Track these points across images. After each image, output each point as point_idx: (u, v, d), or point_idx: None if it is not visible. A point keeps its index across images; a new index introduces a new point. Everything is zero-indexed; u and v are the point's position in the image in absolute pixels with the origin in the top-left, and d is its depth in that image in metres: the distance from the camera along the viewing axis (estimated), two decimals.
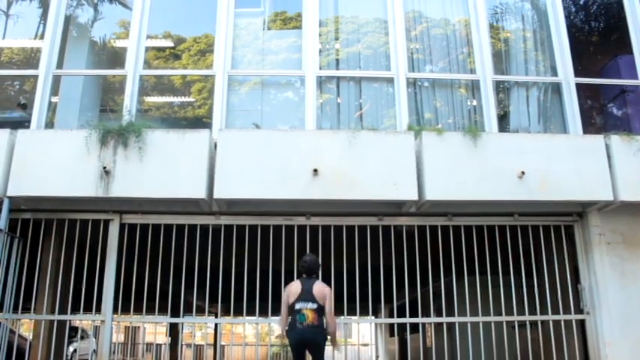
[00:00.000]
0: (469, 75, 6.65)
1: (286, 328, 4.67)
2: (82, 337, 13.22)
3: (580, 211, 5.87)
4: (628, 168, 5.50)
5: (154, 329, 23.77)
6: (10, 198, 5.29)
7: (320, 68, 6.48)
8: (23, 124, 6.05)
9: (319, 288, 4.62)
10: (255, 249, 5.67)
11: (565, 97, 6.42)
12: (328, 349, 4.91)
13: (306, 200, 5.35)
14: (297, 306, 4.55)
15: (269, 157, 5.38)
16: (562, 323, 5.68)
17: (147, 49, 6.61)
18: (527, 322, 5.82)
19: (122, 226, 5.75)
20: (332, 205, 5.14)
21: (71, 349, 11.47)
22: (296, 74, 6.52)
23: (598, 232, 5.74)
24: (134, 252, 5.80)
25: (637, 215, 5.74)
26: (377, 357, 19.49)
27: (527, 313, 5.86)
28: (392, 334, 16.30)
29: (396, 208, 5.77)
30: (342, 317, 6.07)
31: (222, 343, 18.55)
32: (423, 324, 8.50)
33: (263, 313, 5.82)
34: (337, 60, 6.77)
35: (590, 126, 6.71)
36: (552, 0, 6.81)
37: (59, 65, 6.42)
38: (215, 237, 5.80)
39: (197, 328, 25.29)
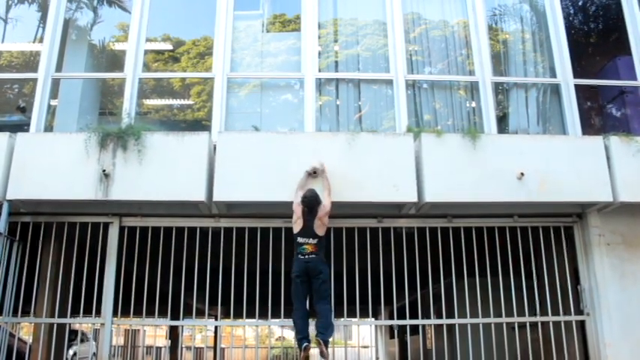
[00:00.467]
0: (468, 77, 6.65)
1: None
2: (82, 341, 13.21)
3: (580, 212, 5.88)
4: (627, 169, 5.51)
5: (153, 332, 23.74)
6: (10, 201, 5.29)
7: (319, 70, 6.48)
8: (22, 127, 6.06)
9: (318, 224, 5.05)
10: (254, 251, 5.67)
11: (564, 98, 6.43)
12: (329, 350, 4.91)
13: None
14: (300, 240, 5.07)
15: (268, 160, 5.38)
16: (562, 324, 5.67)
17: (146, 51, 6.61)
18: (527, 324, 5.81)
19: (122, 229, 5.74)
20: (332, 207, 5.15)
21: (71, 352, 11.46)
22: (295, 76, 6.52)
23: (598, 233, 5.74)
24: (134, 255, 5.79)
25: (637, 216, 5.74)
26: (377, 359, 19.47)
27: (527, 314, 5.85)
28: (392, 336, 16.30)
29: (396, 209, 5.76)
30: (342, 319, 6.06)
31: (222, 345, 18.54)
32: (423, 326, 8.49)
33: (263, 315, 5.81)
34: (336, 62, 6.78)
35: (589, 127, 6.72)
36: (551, 1, 6.82)
37: (58, 68, 6.43)
38: (215, 239, 5.79)
39: (197, 331, 25.28)
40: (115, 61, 6.91)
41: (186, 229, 5.80)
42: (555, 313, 5.78)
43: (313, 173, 5.26)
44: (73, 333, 10.14)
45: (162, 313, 7.00)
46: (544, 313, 5.82)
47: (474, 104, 6.58)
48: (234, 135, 5.63)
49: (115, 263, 5.60)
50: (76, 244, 5.70)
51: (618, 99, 6.90)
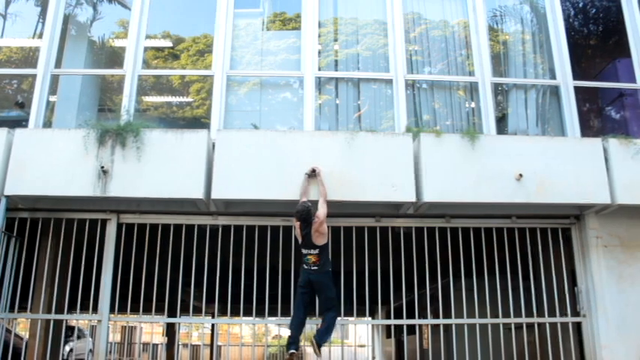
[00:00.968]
0: (468, 77, 6.66)
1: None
2: (78, 337, 13.20)
3: (577, 214, 5.88)
4: (625, 171, 5.52)
5: (150, 329, 23.72)
6: (8, 197, 5.28)
7: (319, 69, 6.48)
8: (21, 123, 6.05)
9: (315, 235, 5.05)
10: (252, 249, 5.66)
11: (563, 100, 6.44)
12: (326, 349, 4.92)
13: None
14: (303, 251, 5.13)
15: (267, 158, 5.38)
16: (559, 326, 5.69)
17: (146, 48, 6.61)
18: (524, 325, 5.82)
19: (120, 225, 5.74)
20: (330, 206, 5.15)
21: (68, 348, 11.46)
22: (295, 75, 6.52)
23: (595, 235, 5.75)
24: (131, 252, 5.79)
25: (634, 218, 5.75)
26: (373, 358, 19.49)
27: (523, 315, 5.87)
28: (389, 336, 16.30)
29: (394, 209, 5.77)
30: (339, 318, 6.06)
31: (219, 343, 18.54)
32: (420, 326, 8.51)
33: (260, 313, 5.81)
34: (336, 61, 6.77)
35: (588, 129, 6.73)
36: (551, 3, 6.83)
37: (58, 64, 6.42)
38: (213, 237, 5.79)
39: (194, 328, 25.26)
40: (115, 57, 6.90)
41: (184, 227, 5.80)
42: (552, 314, 5.79)
43: (312, 173, 5.26)
44: (70, 329, 10.14)
45: (160, 311, 7.00)
46: (541, 314, 5.83)
47: (473, 105, 6.59)
48: (233, 133, 5.62)
49: (112, 260, 5.59)
50: (73, 240, 5.70)
51: (617, 101, 6.91)
